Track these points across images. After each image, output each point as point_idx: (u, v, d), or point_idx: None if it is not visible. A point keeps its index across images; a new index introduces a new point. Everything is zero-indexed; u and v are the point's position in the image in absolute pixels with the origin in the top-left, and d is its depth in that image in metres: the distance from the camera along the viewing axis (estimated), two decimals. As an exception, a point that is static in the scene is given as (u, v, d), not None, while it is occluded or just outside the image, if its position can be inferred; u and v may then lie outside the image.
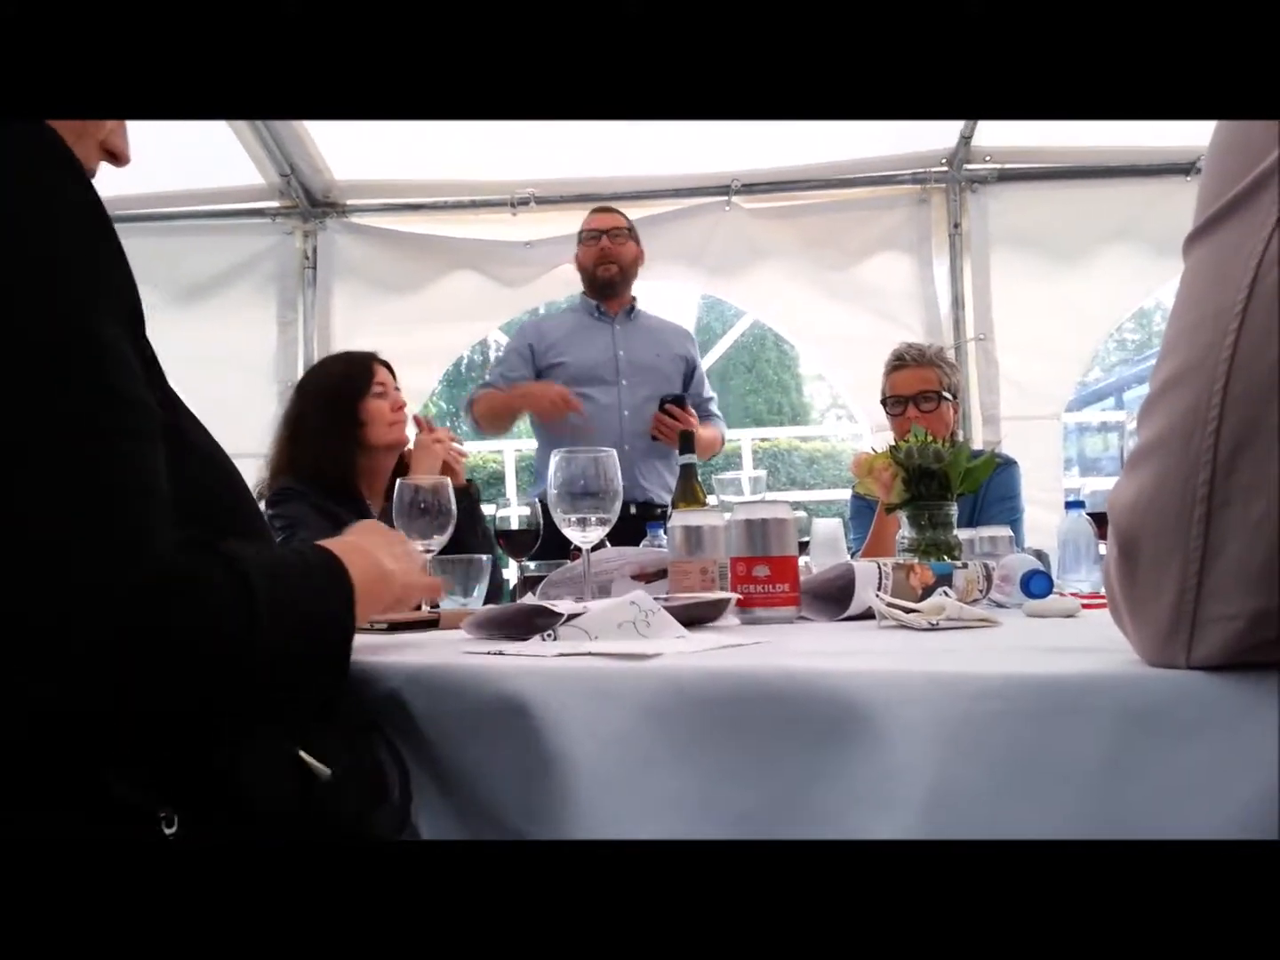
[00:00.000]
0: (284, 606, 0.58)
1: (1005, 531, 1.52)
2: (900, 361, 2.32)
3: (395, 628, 1.06)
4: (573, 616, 0.78)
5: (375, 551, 0.74)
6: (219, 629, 0.53)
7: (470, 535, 1.74)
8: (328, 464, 1.96)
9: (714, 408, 2.87)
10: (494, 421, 2.76)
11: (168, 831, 0.53)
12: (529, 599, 1.31)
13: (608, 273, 2.73)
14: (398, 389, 2.08)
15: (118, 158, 0.73)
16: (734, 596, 0.99)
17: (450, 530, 1.32)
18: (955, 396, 2.34)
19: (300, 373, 3.46)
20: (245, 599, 0.55)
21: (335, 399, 2.01)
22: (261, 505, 2.00)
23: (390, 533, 0.85)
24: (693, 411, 2.58)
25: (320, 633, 0.62)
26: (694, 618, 0.93)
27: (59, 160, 0.56)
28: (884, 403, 2.34)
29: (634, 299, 2.83)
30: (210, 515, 0.64)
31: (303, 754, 0.60)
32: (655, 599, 0.82)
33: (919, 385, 2.27)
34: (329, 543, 0.69)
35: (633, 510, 2.50)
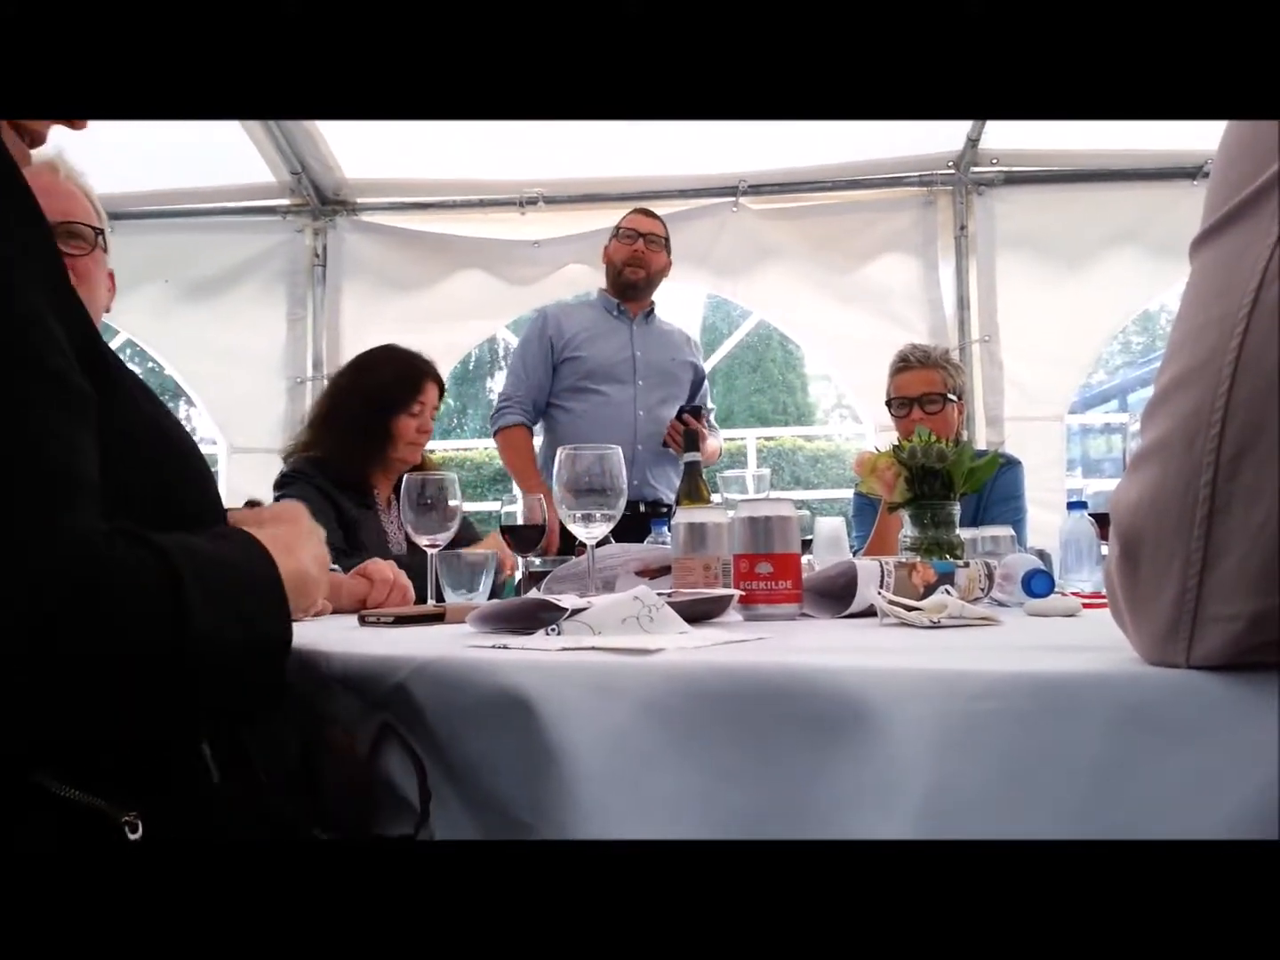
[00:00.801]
0: (215, 603, 0.54)
1: (1007, 531, 1.52)
2: (905, 363, 2.32)
3: (400, 621, 1.07)
4: (577, 611, 0.78)
5: (300, 552, 0.71)
6: (137, 624, 0.50)
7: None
8: (345, 459, 1.98)
9: (712, 419, 2.89)
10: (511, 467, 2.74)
11: (132, 836, 0.51)
12: (533, 595, 1.32)
13: (635, 275, 2.74)
14: (437, 407, 2.09)
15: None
16: (737, 593, 1.00)
17: (455, 527, 1.32)
18: (960, 398, 2.34)
19: (310, 369, 3.48)
20: (169, 593, 0.51)
21: (374, 405, 2.01)
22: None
23: (313, 528, 0.79)
24: (708, 423, 2.61)
25: (255, 636, 0.59)
26: (697, 614, 0.93)
27: None
28: (889, 404, 2.34)
29: (653, 303, 2.84)
30: (154, 502, 0.61)
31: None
32: (659, 594, 0.83)
33: (924, 387, 2.27)
34: (262, 535, 0.65)
35: (642, 508, 2.53)
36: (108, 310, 1.38)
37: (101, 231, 1.33)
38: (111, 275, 1.37)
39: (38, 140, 0.68)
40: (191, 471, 0.67)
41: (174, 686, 0.52)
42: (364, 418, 2.00)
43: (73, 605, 0.47)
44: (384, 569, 1.40)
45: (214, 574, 0.56)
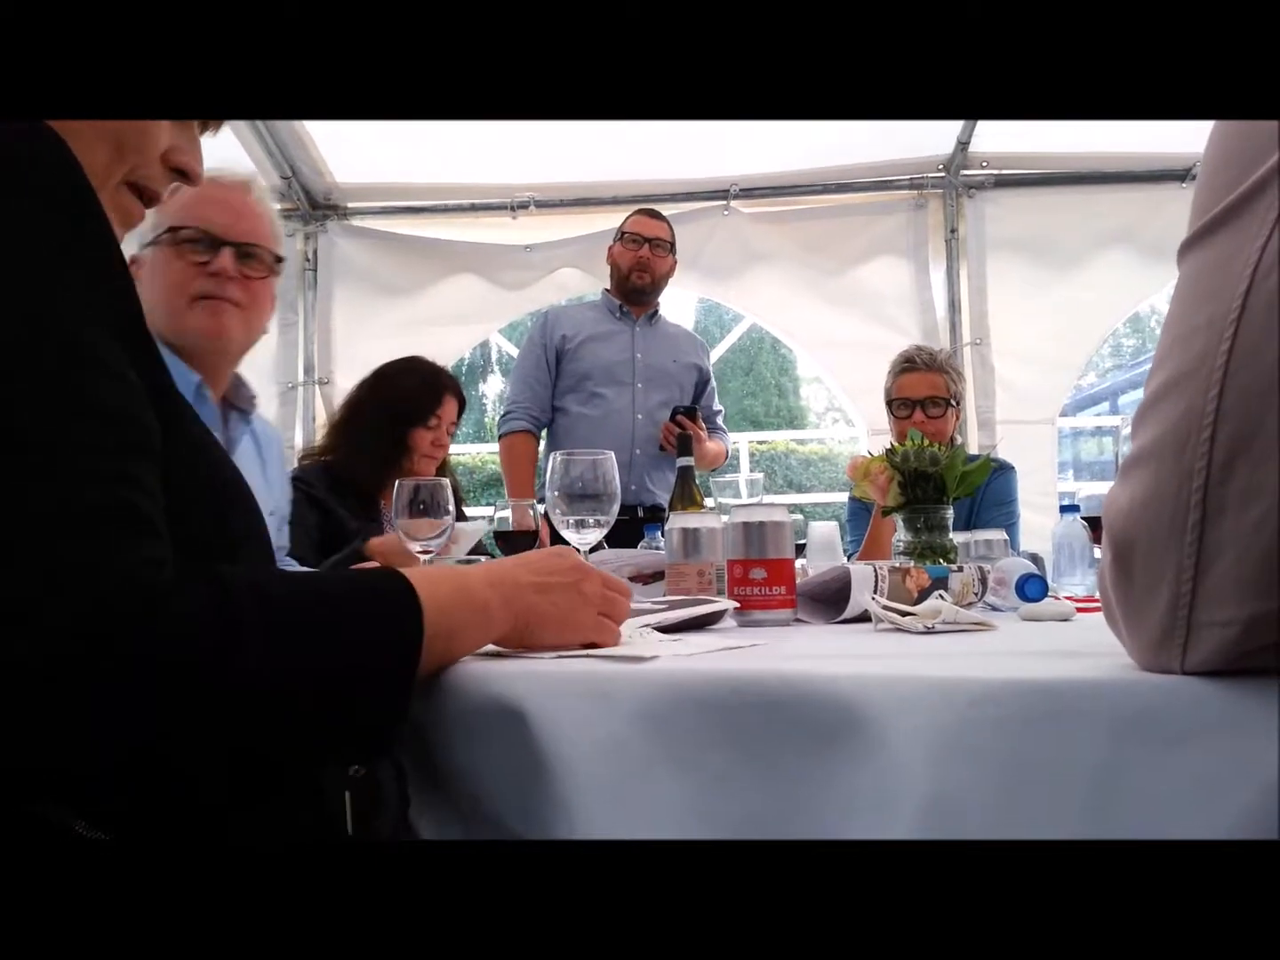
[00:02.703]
0: (290, 631, 0.51)
1: (1001, 535, 1.52)
2: (910, 364, 2.32)
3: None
4: None
5: (479, 573, 0.65)
6: (184, 652, 0.47)
7: None
8: (358, 467, 1.98)
9: (720, 421, 2.87)
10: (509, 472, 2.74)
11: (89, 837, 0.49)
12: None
13: (641, 281, 2.73)
14: (455, 423, 2.09)
15: (188, 175, 0.70)
16: (731, 604, 1.00)
17: (449, 531, 1.32)
18: (959, 404, 2.34)
19: (301, 375, 3.47)
20: (223, 620, 0.49)
21: (395, 419, 2.02)
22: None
23: (556, 559, 0.72)
24: (704, 426, 2.59)
25: (353, 662, 0.54)
26: (691, 628, 0.93)
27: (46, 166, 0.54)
28: (890, 404, 2.34)
29: (658, 305, 2.83)
30: (209, 526, 0.60)
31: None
32: (654, 602, 0.82)
33: (928, 390, 2.27)
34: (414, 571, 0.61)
35: (640, 513, 2.52)
36: (264, 332, 1.42)
37: (281, 259, 1.36)
38: (273, 296, 1.40)
39: (154, 200, 0.69)
40: (241, 498, 0.67)
41: (221, 723, 0.49)
42: (381, 427, 2.00)
43: (112, 637, 0.46)
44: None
45: (290, 598, 0.53)
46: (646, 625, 0.83)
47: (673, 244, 2.78)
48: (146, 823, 0.52)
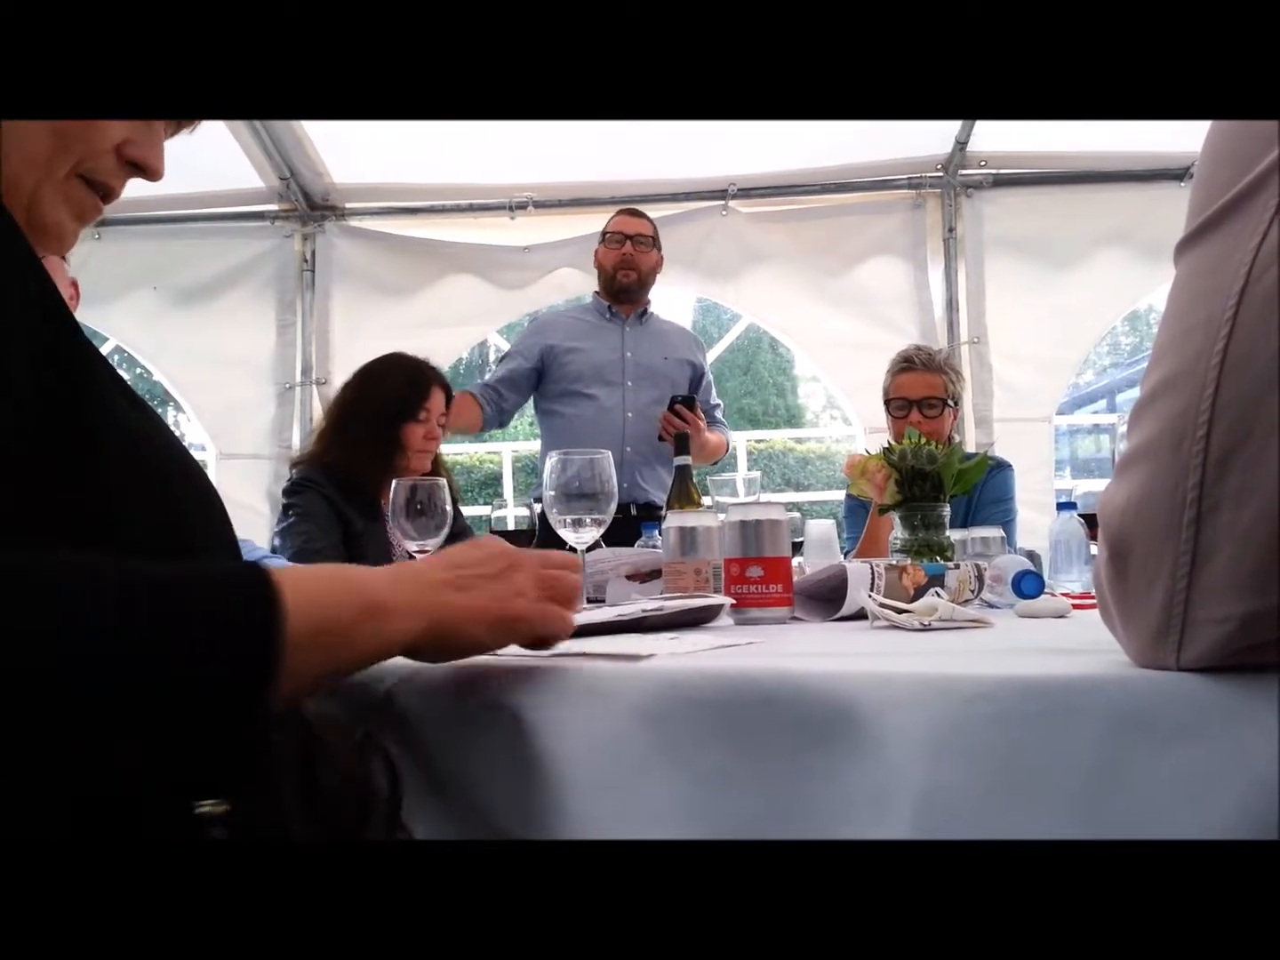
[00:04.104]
0: (106, 623, 0.43)
1: (997, 532, 1.52)
2: (909, 364, 2.32)
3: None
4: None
5: (380, 573, 0.58)
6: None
7: None
8: (356, 471, 1.98)
9: (719, 415, 2.86)
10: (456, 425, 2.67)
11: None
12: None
13: (627, 279, 2.72)
14: (444, 414, 2.08)
15: (145, 170, 0.67)
16: (728, 601, 1.00)
17: (446, 531, 1.32)
18: (957, 404, 2.35)
19: (299, 375, 3.47)
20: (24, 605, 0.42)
21: (384, 417, 2.01)
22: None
23: (487, 549, 0.64)
24: (701, 414, 2.58)
25: (173, 654, 0.45)
26: (687, 624, 0.93)
27: None
28: (887, 403, 2.34)
29: (648, 302, 2.82)
30: (160, 531, 0.55)
31: None
32: (652, 599, 0.82)
33: (925, 390, 2.27)
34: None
35: (633, 511, 2.51)
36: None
37: None
38: (75, 284, 1.34)
39: (109, 194, 0.67)
40: (194, 487, 0.62)
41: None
42: (373, 427, 2.00)
43: None
44: None
45: (127, 587, 0.46)
46: (654, 599, 0.83)
47: (656, 239, 2.77)
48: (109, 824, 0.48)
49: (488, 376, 2.82)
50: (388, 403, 2.02)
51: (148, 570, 0.48)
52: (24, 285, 0.53)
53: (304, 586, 0.51)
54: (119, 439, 0.55)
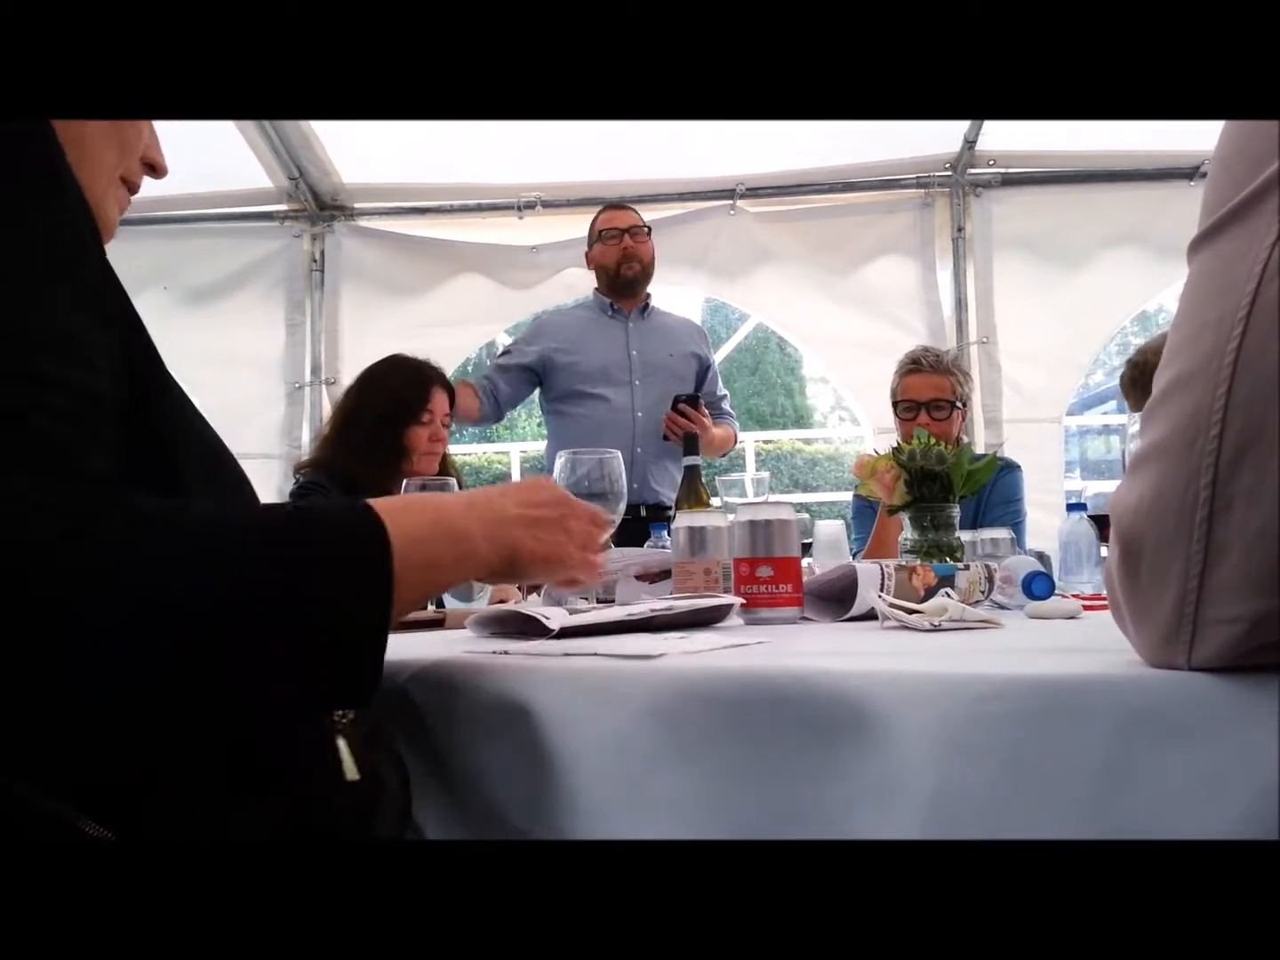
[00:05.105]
0: (204, 558, 0.46)
1: (1007, 533, 1.52)
2: (916, 366, 2.31)
3: (401, 626, 1.07)
4: (565, 631, 0.78)
5: (461, 502, 0.60)
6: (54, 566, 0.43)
7: None
8: (360, 475, 1.97)
9: (727, 406, 2.85)
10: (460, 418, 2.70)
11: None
12: (533, 599, 1.32)
13: (631, 271, 2.71)
14: (448, 414, 2.08)
15: (155, 169, 0.75)
16: (737, 600, 1.00)
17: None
18: (965, 406, 2.34)
19: (308, 375, 3.48)
20: (112, 538, 0.44)
21: (386, 421, 2.01)
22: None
23: (536, 488, 0.68)
24: (706, 412, 2.57)
25: (304, 589, 0.49)
26: (697, 624, 0.93)
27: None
28: (895, 405, 2.34)
29: (649, 295, 2.81)
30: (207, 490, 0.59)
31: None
32: (662, 599, 0.83)
33: (933, 392, 2.27)
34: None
35: (643, 512, 2.50)
36: None
37: None
38: None
39: (134, 191, 0.74)
40: (247, 494, 0.67)
41: (94, 639, 0.44)
42: (376, 431, 1.99)
43: None
44: None
45: (215, 533, 0.49)
46: (664, 599, 0.83)
47: (648, 227, 2.77)
48: (148, 818, 0.51)
49: (486, 369, 2.83)
50: (389, 406, 2.01)
51: (276, 511, 0.55)
52: (120, 296, 0.59)
53: (406, 527, 0.54)
54: (189, 442, 0.61)
